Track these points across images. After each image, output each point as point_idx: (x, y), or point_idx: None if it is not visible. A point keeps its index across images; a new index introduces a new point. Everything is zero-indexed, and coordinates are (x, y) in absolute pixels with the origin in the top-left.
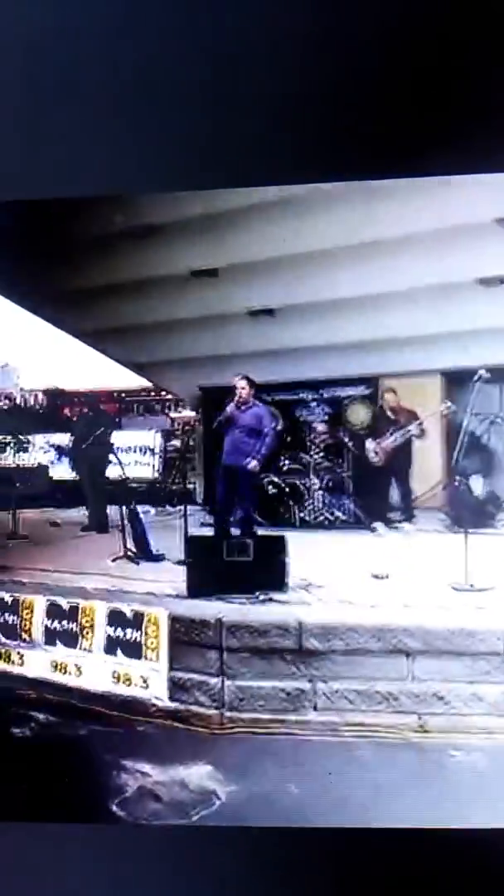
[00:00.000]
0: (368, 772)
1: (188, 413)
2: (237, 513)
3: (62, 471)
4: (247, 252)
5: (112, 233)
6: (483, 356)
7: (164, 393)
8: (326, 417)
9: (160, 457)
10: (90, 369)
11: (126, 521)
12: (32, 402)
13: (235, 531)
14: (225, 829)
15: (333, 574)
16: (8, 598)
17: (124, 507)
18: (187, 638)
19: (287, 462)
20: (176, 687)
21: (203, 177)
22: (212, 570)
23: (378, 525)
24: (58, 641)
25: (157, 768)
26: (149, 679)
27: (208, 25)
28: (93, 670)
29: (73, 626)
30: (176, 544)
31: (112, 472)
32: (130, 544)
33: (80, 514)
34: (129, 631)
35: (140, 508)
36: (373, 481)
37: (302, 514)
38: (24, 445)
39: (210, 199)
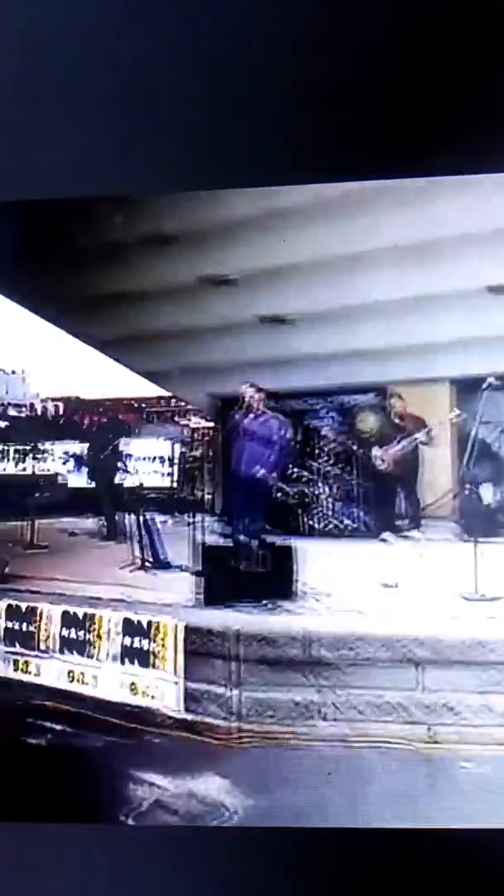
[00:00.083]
0: (376, 782)
1: (202, 422)
2: (248, 522)
3: (80, 480)
4: (257, 259)
5: (125, 240)
6: (492, 364)
7: (179, 402)
8: (335, 425)
9: (176, 466)
10: (105, 378)
11: (140, 531)
12: (52, 412)
13: (246, 540)
14: (225, 829)
15: (342, 583)
16: (21, 606)
17: (138, 517)
18: (197, 647)
19: (296, 470)
20: (187, 698)
21: (203, 177)
22: (224, 579)
23: (387, 533)
24: (71, 651)
25: (169, 779)
26: (160, 689)
27: (208, 25)
28: (105, 680)
29: (84, 635)
30: (190, 554)
31: (126, 481)
32: (144, 554)
33: (95, 523)
34: (140, 640)
35: (154, 518)
36: (381, 489)
37: (311, 522)
38: (43, 455)
39: (222, 207)
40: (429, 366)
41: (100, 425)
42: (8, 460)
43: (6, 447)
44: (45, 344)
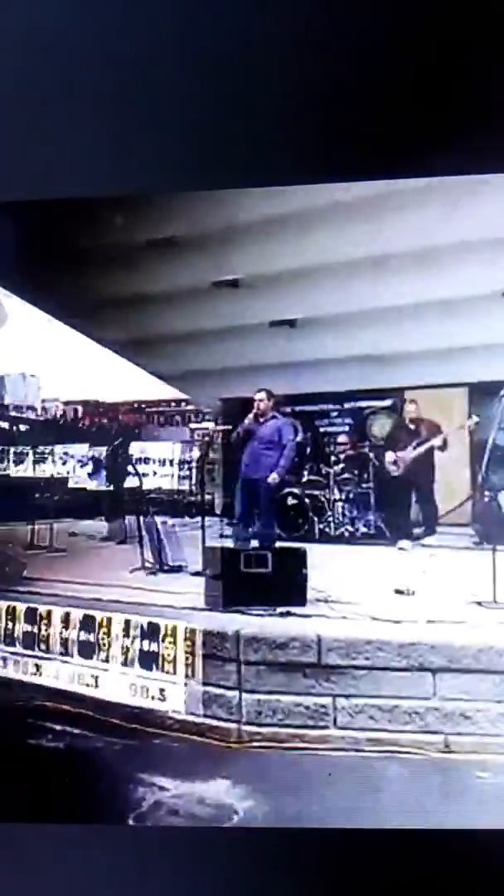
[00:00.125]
0: (391, 790)
1: (209, 424)
2: (257, 525)
3: (90, 483)
4: (268, 263)
5: (135, 243)
6: None
7: (185, 404)
8: (348, 429)
9: (180, 468)
10: (111, 380)
11: (144, 533)
12: (70, 414)
13: (255, 543)
14: (225, 829)
15: (355, 588)
16: (27, 608)
17: (142, 518)
18: (206, 650)
19: (308, 474)
20: (195, 700)
21: (203, 177)
22: (230, 582)
23: (403, 542)
24: (75, 652)
25: (175, 782)
26: (166, 691)
27: (208, 25)
28: (111, 682)
29: (91, 637)
30: (195, 556)
31: (130, 482)
32: (149, 555)
33: (99, 525)
34: (147, 643)
35: (159, 519)
36: (394, 494)
37: (322, 527)
38: (56, 458)
39: (231, 210)
40: (445, 371)
41: (108, 428)
42: (22, 463)
43: (22, 450)
44: (59, 347)
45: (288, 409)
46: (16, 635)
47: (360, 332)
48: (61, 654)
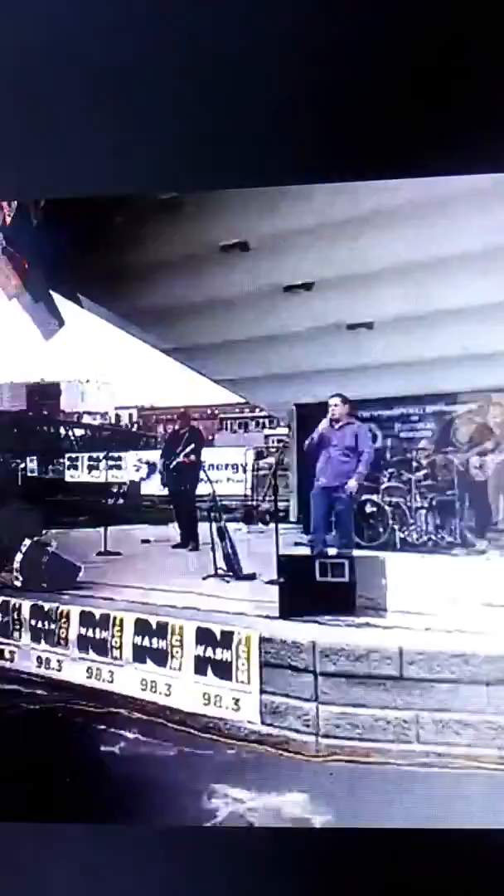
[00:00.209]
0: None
1: (282, 430)
2: (334, 533)
3: (153, 487)
4: (343, 265)
5: (204, 249)
6: None
7: (257, 410)
8: (431, 434)
9: (252, 474)
10: (182, 386)
11: (217, 539)
12: (127, 420)
13: (332, 551)
14: (225, 829)
15: (438, 599)
16: (98, 614)
17: (215, 525)
18: (279, 660)
19: (388, 481)
20: (268, 711)
21: (204, 177)
22: (305, 590)
23: (489, 549)
24: (147, 659)
25: (250, 794)
26: (240, 701)
27: (208, 25)
28: (183, 690)
29: (162, 644)
30: (268, 563)
31: (202, 489)
32: (221, 562)
33: (170, 530)
34: (219, 651)
35: (231, 526)
36: (480, 501)
37: (403, 535)
38: (118, 463)
39: (302, 213)
40: None
41: (174, 434)
42: (82, 469)
43: (82, 455)
44: (121, 353)
45: (367, 414)
46: (75, 639)
47: (441, 332)
48: (136, 661)
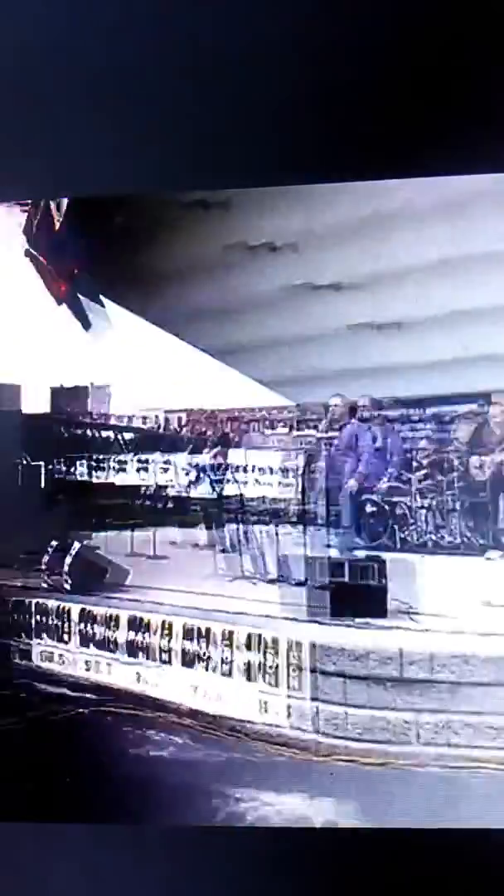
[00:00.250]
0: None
1: (310, 431)
2: (342, 534)
3: (194, 491)
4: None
5: (237, 249)
6: None
7: (286, 411)
8: (430, 433)
9: (282, 476)
10: (212, 387)
11: (244, 541)
12: (175, 424)
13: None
14: (225, 829)
15: (439, 600)
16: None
17: (242, 527)
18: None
19: (388, 480)
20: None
21: (203, 177)
22: (339, 594)
23: (491, 552)
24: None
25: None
26: (268, 703)
27: (208, 25)
28: (233, 695)
29: (190, 646)
30: (296, 565)
31: (229, 490)
32: (249, 565)
33: (198, 533)
34: (252, 654)
35: (258, 528)
36: (481, 501)
37: (404, 535)
38: (161, 466)
39: (333, 215)
40: None
41: (205, 436)
42: (126, 471)
43: (126, 458)
44: (160, 355)
45: (376, 413)
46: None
47: (444, 334)
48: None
